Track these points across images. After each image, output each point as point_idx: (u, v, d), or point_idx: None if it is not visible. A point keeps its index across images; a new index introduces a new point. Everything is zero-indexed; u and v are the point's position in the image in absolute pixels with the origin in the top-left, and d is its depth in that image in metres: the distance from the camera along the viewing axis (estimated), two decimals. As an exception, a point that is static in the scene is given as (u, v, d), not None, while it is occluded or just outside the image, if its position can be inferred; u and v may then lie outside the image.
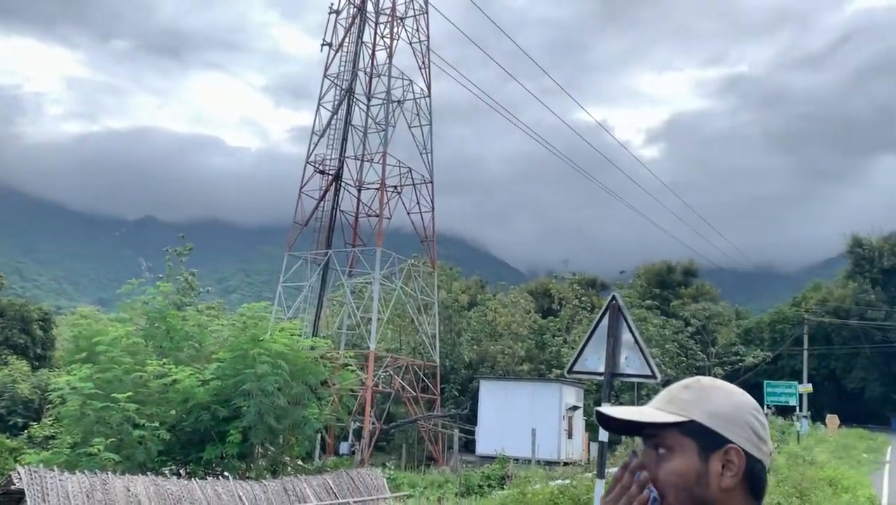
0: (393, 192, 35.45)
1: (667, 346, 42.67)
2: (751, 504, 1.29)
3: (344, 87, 35.02)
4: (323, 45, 35.69)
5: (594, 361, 7.57)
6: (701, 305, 56.55)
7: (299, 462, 17.40)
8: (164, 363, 14.59)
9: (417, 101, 36.71)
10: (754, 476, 1.29)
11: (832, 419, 39.39)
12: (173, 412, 14.54)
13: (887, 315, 60.70)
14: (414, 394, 33.82)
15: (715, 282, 75.84)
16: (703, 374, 41.19)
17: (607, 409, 1.39)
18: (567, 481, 12.56)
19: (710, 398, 1.33)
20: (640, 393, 35.96)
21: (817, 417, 46.85)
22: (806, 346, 52.70)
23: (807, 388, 41.17)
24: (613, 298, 7.83)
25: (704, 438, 1.29)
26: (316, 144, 35.13)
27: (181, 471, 14.55)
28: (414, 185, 36.05)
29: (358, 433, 30.82)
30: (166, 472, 13.39)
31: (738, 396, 1.35)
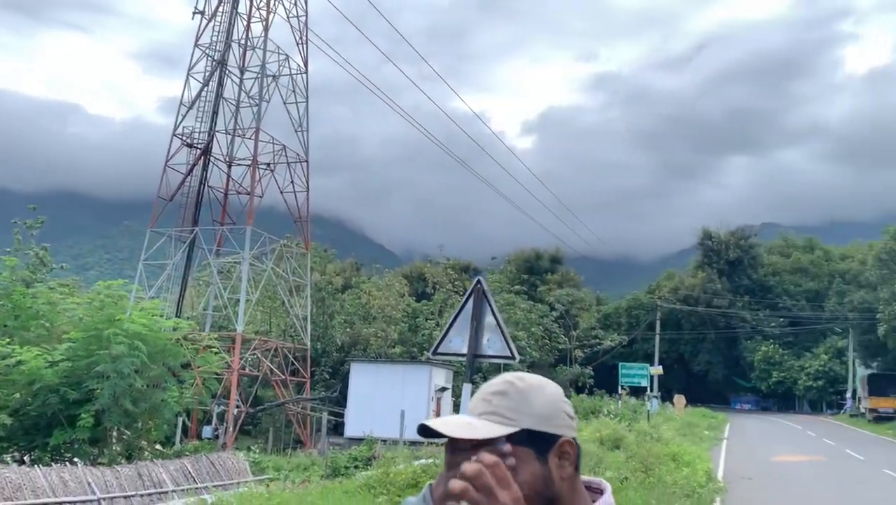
0: (266, 169, 34.48)
1: (532, 329, 44.24)
2: (579, 480, 1.36)
3: (216, 58, 33.60)
4: (195, 13, 34.04)
5: (458, 342, 7.78)
6: (565, 290, 59.06)
7: (157, 447, 16.69)
8: (8, 343, 13.57)
9: (294, 77, 35.82)
10: (578, 457, 1.35)
11: (679, 399, 42.40)
12: (17, 395, 13.56)
13: (731, 303, 65.95)
14: (283, 377, 33.25)
15: (579, 269, 79.31)
16: (566, 356, 42.92)
17: (433, 422, 1.31)
18: (430, 461, 12.85)
19: (532, 402, 1.33)
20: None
21: (667, 397, 50.27)
22: (658, 330, 56.36)
23: (657, 370, 44.03)
24: (478, 281, 8.08)
25: (539, 442, 1.30)
26: (184, 116, 33.53)
27: (25, 458, 13.62)
28: (288, 163, 35.23)
29: (222, 417, 29.97)
30: (7, 459, 12.49)
31: (549, 390, 1.38)
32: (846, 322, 56.13)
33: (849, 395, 56.18)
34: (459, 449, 1.29)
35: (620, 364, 40.00)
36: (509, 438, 1.27)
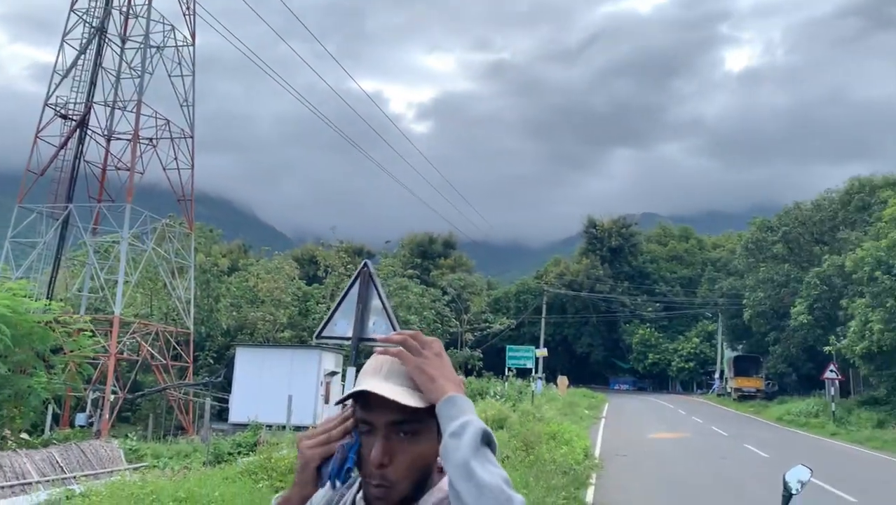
0: (147, 144, 32.86)
1: (425, 313, 44.61)
2: None
3: (95, 24, 31.61)
4: (69, -26, 31.85)
5: (343, 326, 7.76)
6: (457, 275, 59.92)
7: (23, 436, 15.73)
8: None
9: (179, 49, 34.24)
10: None
11: (562, 380, 43.98)
12: None
13: (612, 289, 68.91)
14: (164, 362, 32.00)
15: (471, 254, 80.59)
16: (456, 340, 43.47)
17: (376, 386, 1.32)
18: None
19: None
20: (396, 358, 37.25)
21: (551, 378, 52.07)
22: (544, 314, 58.21)
23: (543, 352, 45.49)
24: (365, 264, 8.07)
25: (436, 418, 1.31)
26: (58, 85, 31.37)
27: None
28: (172, 138, 33.73)
29: (97, 403, 28.52)
30: None
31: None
32: (716, 307, 59.94)
33: (717, 375, 60.08)
34: (373, 408, 1.32)
35: (508, 347, 40.98)
36: (428, 410, 1.30)
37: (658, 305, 68.25)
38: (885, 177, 39.80)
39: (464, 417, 1.22)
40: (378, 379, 1.34)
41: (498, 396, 29.49)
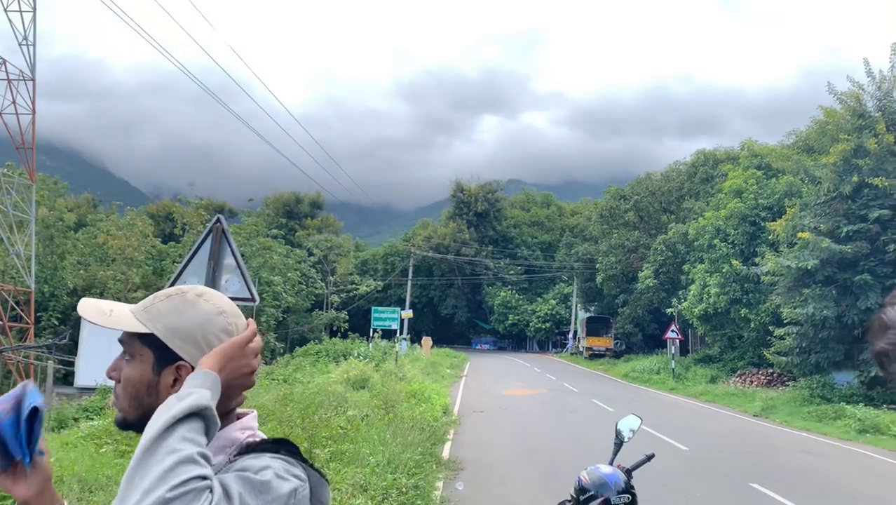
0: (-21, 85, 29.79)
1: (289, 274, 43.78)
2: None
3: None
4: None
5: (193, 283, 7.46)
6: (324, 236, 59.08)
7: None
8: None
9: (17, -19, 31.07)
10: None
11: (426, 341, 44.82)
12: None
13: (477, 252, 70.64)
14: (1, 323, 29.59)
15: (340, 216, 79.72)
16: (322, 301, 42.96)
17: (83, 302, 1.37)
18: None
19: (182, 313, 1.35)
20: (259, 319, 36.51)
21: (416, 339, 52.90)
22: (410, 276, 58.85)
23: (408, 313, 46.06)
24: (218, 220, 7.76)
25: (160, 352, 1.33)
26: None
27: None
28: (9, 80, 30.72)
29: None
30: None
31: (211, 316, 1.36)
32: (572, 271, 62.94)
33: (571, 335, 63.38)
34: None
35: (373, 309, 41.14)
36: (141, 336, 1.34)
37: (519, 268, 70.74)
38: (727, 151, 42.94)
39: (195, 390, 1.21)
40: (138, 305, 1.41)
41: (362, 357, 29.61)
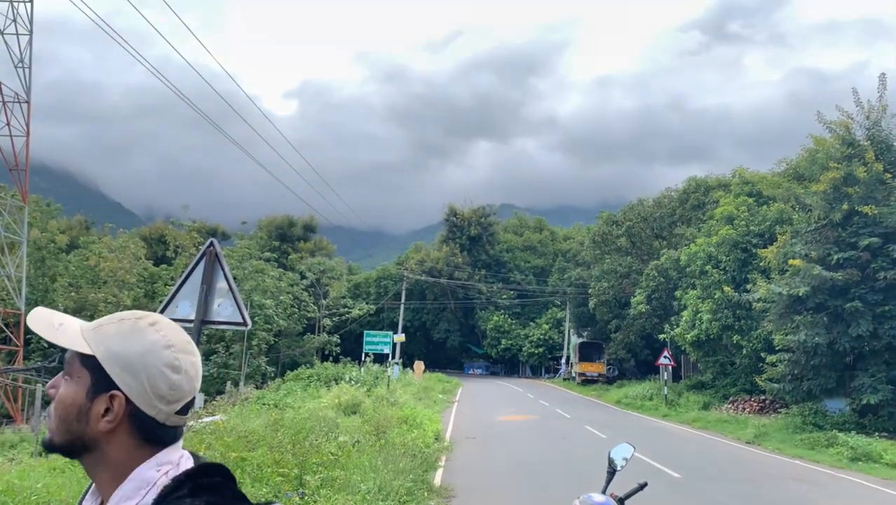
0: (-27, 107, 29.87)
1: (281, 297, 43.68)
2: (145, 450, 1.27)
3: None
4: None
5: (185, 307, 7.45)
6: (317, 259, 59.00)
7: None
8: None
9: (14, 4, 31.32)
10: (145, 427, 1.26)
11: (418, 365, 44.62)
12: None
13: (470, 276, 70.66)
14: (-11, 345, 29.39)
15: (333, 239, 79.67)
16: (314, 325, 42.70)
17: (35, 311, 1.32)
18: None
19: (127, 339, 1.27)
20: (250, 343, 36.33)
21: (409, 363, 52.64)
22: (403, 300, 58.76)
23: (400, 337, 45.87)
24: (211, 243, 7.77)
25: (98, 377, 1.26)
26: None
27: None
28: (3, 102, 30.85)
29: None
30: None
31: (158, 347, 1.28)
32: (565, 295, 62.97)
33: (563, 360, 63.21)
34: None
35: (365, 333, 40.97)
36: (83, 356, 1.27)
37: (512, 292, 70.73)
38: (719, 178, 43.27)
39: None
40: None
41: (353, 382, 29.44)
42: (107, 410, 1.24)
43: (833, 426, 21.85)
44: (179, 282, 7.54)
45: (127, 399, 1.25)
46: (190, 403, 1.32)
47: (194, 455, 1.34)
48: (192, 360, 1.32)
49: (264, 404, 21.01)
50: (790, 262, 23.56)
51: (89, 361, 1.26)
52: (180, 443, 1.33)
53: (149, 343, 1.27)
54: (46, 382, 1.31)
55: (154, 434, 1.27)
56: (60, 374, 1.31)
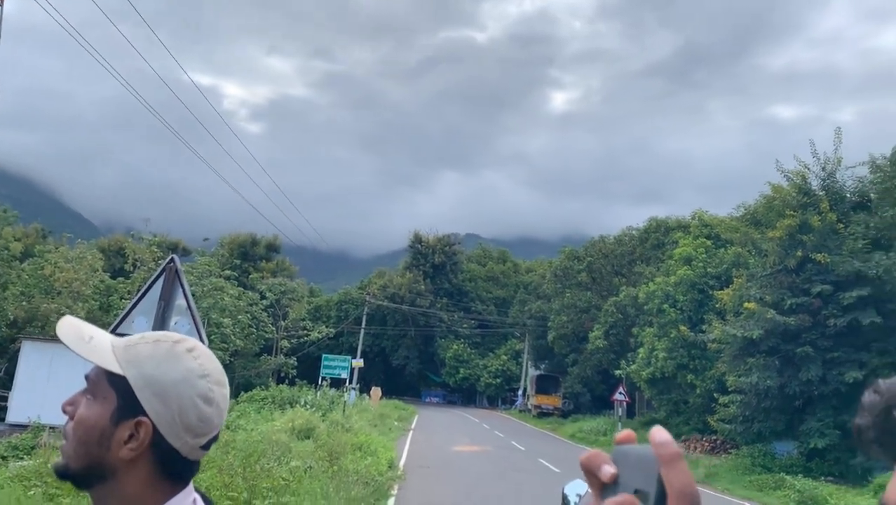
0: (-67, 108, 29.20)
1: (239, 316, 43.07)
2: (163, 485, 1.20)
3: None
4: None
5: (141, 323, 7.36)
6: (279, 280, 58.42)
7: None
8: None
9: (-17, 7, 30.83)
10: (167, 460, 1.19)
11: (375, 391, 44.28)
12: None
13: (431, 304, 70.62)
14: (-69, 352, 28.37)
15: (297, 260, 79.05)
16: (272, 346, 42.20)
17: (64, 320, 1.24)
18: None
19: (162, 364, 1.19)
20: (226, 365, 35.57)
21: (366, 389, 52.12)
22: (364, 325, 58.42)
23: (359, 362, 45.54)
24: (172, 259, 7.72)
25: (125, 400, 1.18)
26: None
27: None
28: (-36, 105, 30.23)
29: None
30: None
31: (194, 376, 1.20)
32: (524, 328, 63.26)
33: (520, 392, 63.28)
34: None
35: (324, 356, 40.55)
36: (111, 375, 1.19)
37: (473, 322, 70.81)
38: (678, 220, 44.20)
39: None
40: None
41: (308, 406, 29.10)
42: (130, 437, 1.17)
43: (781, 469, 22.23)
44: (137, 297, 7.46)
45: (154, 427, 1.17)
46: (214, 438, 1.24)
47: (204, 497, 1.28)
48: (224, 392, 1.25)
49: (216, 425, 20.60)
50: (745, 305, 24.11)
51: (118, 382, 1.19)
52: (192, 485, 1.26)
53: (185, 370, 1.20)
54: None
55: (174, 468, 1.20)
56: (80, 390, 1.23)
